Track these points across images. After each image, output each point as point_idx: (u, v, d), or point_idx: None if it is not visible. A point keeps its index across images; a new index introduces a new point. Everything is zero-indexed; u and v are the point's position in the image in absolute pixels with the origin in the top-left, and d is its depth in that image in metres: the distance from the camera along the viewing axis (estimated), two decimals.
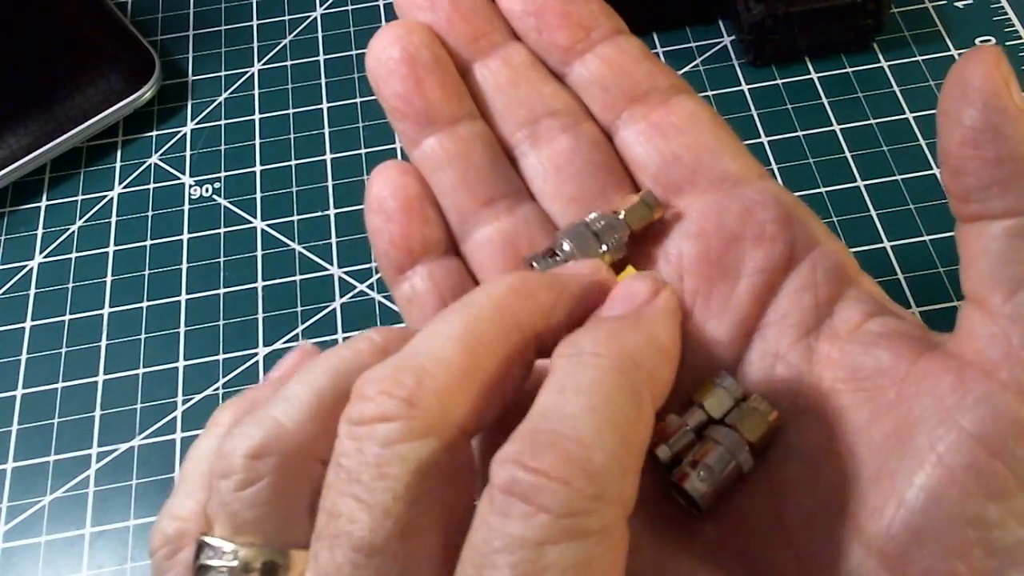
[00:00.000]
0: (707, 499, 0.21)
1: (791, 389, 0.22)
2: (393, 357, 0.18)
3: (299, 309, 0.39)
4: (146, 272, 0.41)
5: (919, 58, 0.44)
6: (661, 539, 0.21)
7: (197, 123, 0.45)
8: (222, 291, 0.40)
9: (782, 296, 0.23)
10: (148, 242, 0.42)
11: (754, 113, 0.43)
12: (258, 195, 0.43)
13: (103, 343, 0.39)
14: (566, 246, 0.23)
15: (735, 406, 0.22)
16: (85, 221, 0.43)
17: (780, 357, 0.22)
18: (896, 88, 0.43)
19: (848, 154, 0.41)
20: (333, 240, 0.41)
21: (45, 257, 0.42)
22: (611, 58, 0.25)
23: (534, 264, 0.24)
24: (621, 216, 0.23)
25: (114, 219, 0.43)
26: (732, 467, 0.21)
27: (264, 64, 0.47)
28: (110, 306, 0.40)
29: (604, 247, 0.23)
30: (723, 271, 0.23)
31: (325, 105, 0.45)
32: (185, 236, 0.42)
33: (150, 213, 0.43)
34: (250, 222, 0.42)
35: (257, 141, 0.44)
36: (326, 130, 0.44)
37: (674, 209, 0.24)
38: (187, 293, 0.40)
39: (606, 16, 0.25)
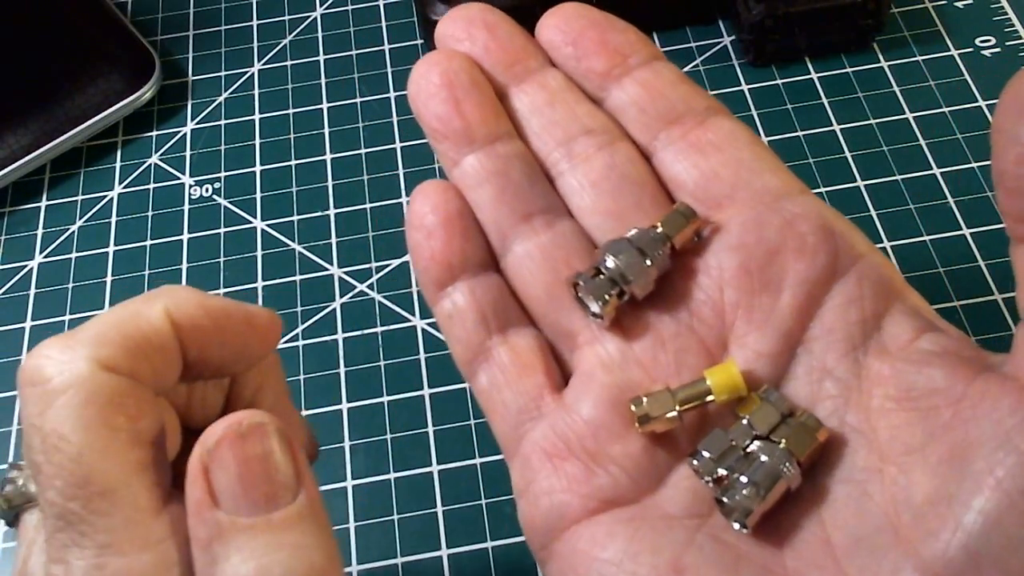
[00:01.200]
0: (754, 517, 0.21)
1: (839, 406, 0.21)
2: None
3: (299, 309, 0.39)
4: (146, 272, 0.41)
5: (919, 58, 0.44)
6: (706, 557, 0.21)
7: (197, 123, 0.45)
8: (222, 291, 0.40)
9: (826, 309, 0.22)
10: (148, 242, 0.42)
11: (754, 113, 0.43)
12: (258, 195, 0.43)
13: None
14: (610, 262, 0.23)
15: (782, 421, 0.21)
16: (85, 221, 0.43)
17: (827, 372, 0.22)
18: (896, 88, 0.43)
19: (848, 154, 0.41)
20: (333, 240, 0.41)
21: (45, 257, 0.42)
22: (648, 82, 0.25)
23: (580, 283, 0.23)
24: (660, 230, 0.23)
25: (114, 219, 0.43)
26: (780, 484, 0.21)
27: (264, 64, 0.47)
28: (110, 306, 0.40)
29: (648, 261, 0.23)
30: (764, 283, 0.23)
31: (325, 105, 0.45)
32: (185, 236, 0.42)
33: (150, 213, 0.43)
34: (250, 222, 0.42)
35: (257, 141, 0.44)
36: (326, 130, 0.44)
37: (713, 223, 0.24)
38: None
39: (642, 43, 0.26)
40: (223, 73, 0.47)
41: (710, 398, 0.22)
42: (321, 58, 0.47)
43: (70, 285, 0.41)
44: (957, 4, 0.46)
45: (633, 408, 0.22)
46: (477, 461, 0.35)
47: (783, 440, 0.21)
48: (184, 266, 0.41)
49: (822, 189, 0.40)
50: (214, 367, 0.21)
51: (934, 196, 0.40)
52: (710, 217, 0.24)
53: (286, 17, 0.49)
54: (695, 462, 0.21)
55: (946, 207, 0.40)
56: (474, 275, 0.25)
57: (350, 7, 0.49)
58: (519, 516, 0.24)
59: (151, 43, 0.47)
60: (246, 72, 0.47)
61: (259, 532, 0.18)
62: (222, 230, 0.42)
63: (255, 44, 0.48)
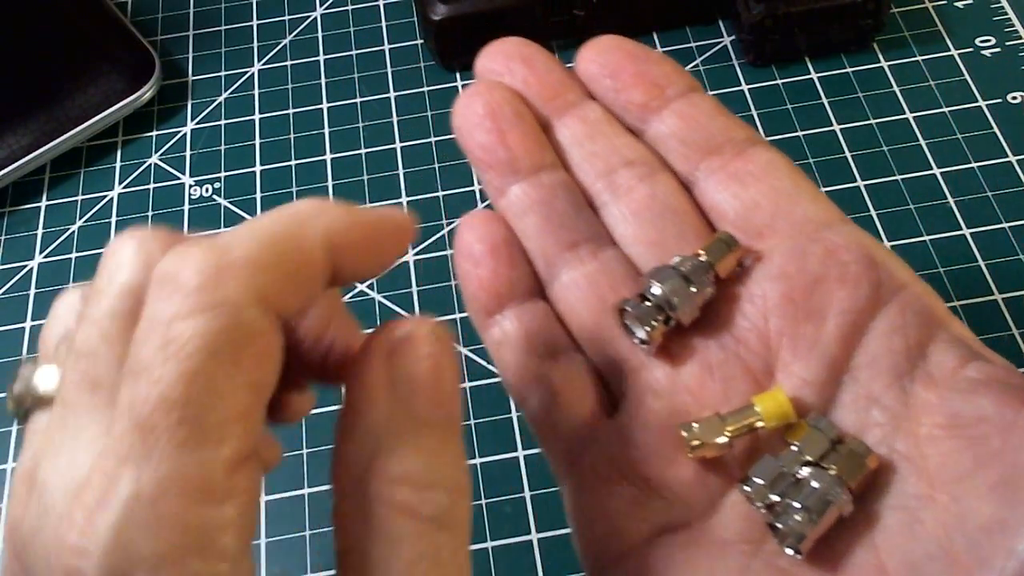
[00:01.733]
0: (807, 542, 0.21)
1: (887, 433, 0.22)
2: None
3: None
4: None
5: (919, 58, 0.44)
6: None
7: (197, 123, 0.45)
8: None
9: (870, 338, 0.22)
10: None
11: (754, 113, 0.43)
12: (258, 195, 0.43)
13: None
14: (656, 289, 0.23)
15: (832, 448, 0.21)
16: (85, 221, 0.43)
17: (874, 400, 0.22)
18: (896, 88, 0.43)
19: (848, 154, 0.41)
20: None
21: (45, 257, 0.42)
22: (687, 113, 0.26)
23: (627, 308, 0.24)
24: (703, 258, 0.24)
25: (114, 219, 0.43)
26: (832, 510, 0.21)
27: (264, 64, 0.47)
28: None
29: (693, 288, 0.23)
30: (808, 312, 0.23)
31: (325, 105, 0.45)
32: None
33: (150, 213, 0.43)
34: None
35: (257, 141, 0.44)
36: (326, 130, 0.44)
37: (756, 251, 0.24)
38: None
39: (679, 75, 0.26)
40: (223, 73, 0.47)
41: (759, 424, 0.22)
42: (321, 58, 0.47)
43: (70, 285, 0.41)
44: (957, 4, 0.46)
45: (683, 434, 0.22)
46: (477, 461, 0.35)
47: (834, 467, 0.21)
48: None
49: (822, 189, 0.40)
50: (342, 282, 0.20)
51: (934, 196, 0.40)
52: (752, 247, 0.24)
53: (286, 17, 0.49)
54: (747, 488, 0.22)
55: (946, 207, 0.40)
56: (522, 302, 0.25)
57: (350, 7, 0.49)
58: (574, 538, 0.24)
59: (151, 43, 0.47)
60: (246, 72, 0.47)
61: (427, 433, 0.18)
62: (222, 230, 0.42)
63: (255, 44, 0.48)
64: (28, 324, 0.40)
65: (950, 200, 0.40)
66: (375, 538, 0.17)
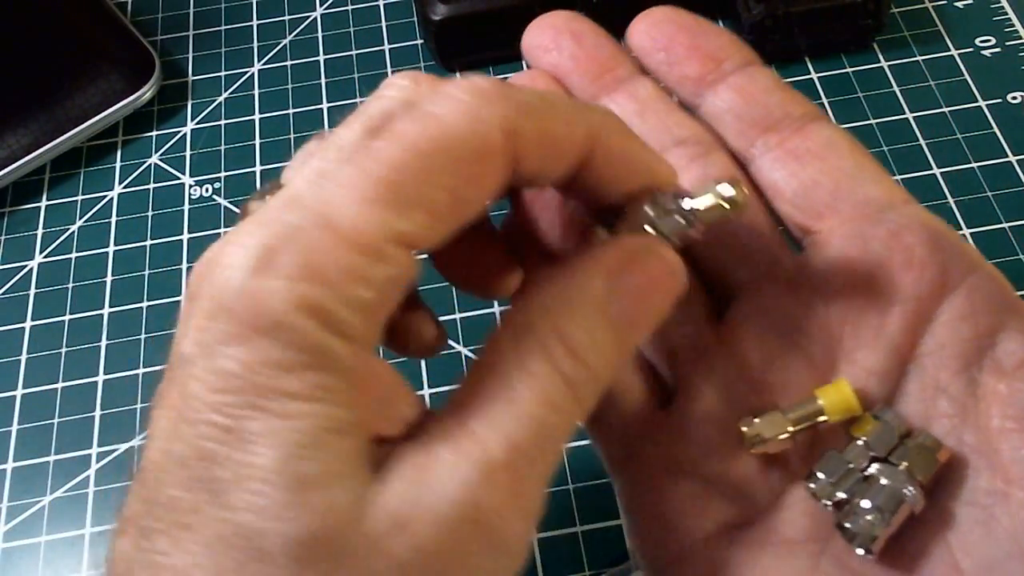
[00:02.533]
0: (879, 542, 0.20)
1: (956, 425, 0.21)
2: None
3: None
4: (146, 272, 0.41)
5: (919, 58, 0.44)
6: None
7: (197, 123, 0.45)
8: None
9: (938, 325, 0.21)
10: (148, 242, 0.42)
11: None
12: None
13: (103, 343, 0.39)
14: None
15: (900, 442, 0.21)
16: (85, 221, 0.43)
17: (941, 390, 0.21)
18: (896, 88, 0.43)
19: None
20: None
21: (45, 257, 0.42)
22: (743, 87, 0.24)
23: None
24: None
25: (114, 219, 0.43)
26: (903, 508, 0.20)
27: (264, 64, 0.47)
28: (110, 306, 0.40)
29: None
30: (872, 299, 0.22)
31: (325, 105, 0.45)
32: (185, 236, 0.42)
33: (150, 213, 0.43)
34: None
35: (257, 141, 0.44)
36: (326, 130, 0.44)
37: (816, 234, 0.23)
38: None
39: (736, 48, 0.25)
40: (223, 73, 0.47)
41: (822, 418, 0.21)
42: (321, 58, 0.47)
43: (70, 285, 0.41)
44: (957, 4, 0.46)
45: (744, 429, 0.22)
46: None
47: (903, 462, 0.20)
48: (184, 266, 0.41)
49: None
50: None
51: (934, 196, 0.40)
52: (811, 228, 0.23)
53: (286, 17, 0.49)
54: (812, 485, 0.21)
55: (946, 207, 0.40)
56: None
57: (350, 7, 0.49)
58: (628, 535, 0.23)
59: (151, 43, 0.47)
60: (246, 72, 0.47)
61: (607, 327, 0.19)
62: (222, 230, 0.42)
63: (255, 44, 0.48)
64: (28, 324, 0.40)
65: (950, 200, 0.40)
66: (515, 363, 0.18)
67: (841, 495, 0.21)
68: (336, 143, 0.18)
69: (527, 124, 0.18)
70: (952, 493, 0.21)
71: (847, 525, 0.20)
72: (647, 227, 0.21)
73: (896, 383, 0.22)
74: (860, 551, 0.20)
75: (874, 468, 0.21)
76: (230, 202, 0.43)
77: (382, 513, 0.16)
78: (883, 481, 0.20)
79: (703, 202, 0.21)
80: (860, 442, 0.21)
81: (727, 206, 0.21)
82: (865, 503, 0.20)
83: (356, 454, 0.16)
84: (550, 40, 0.26)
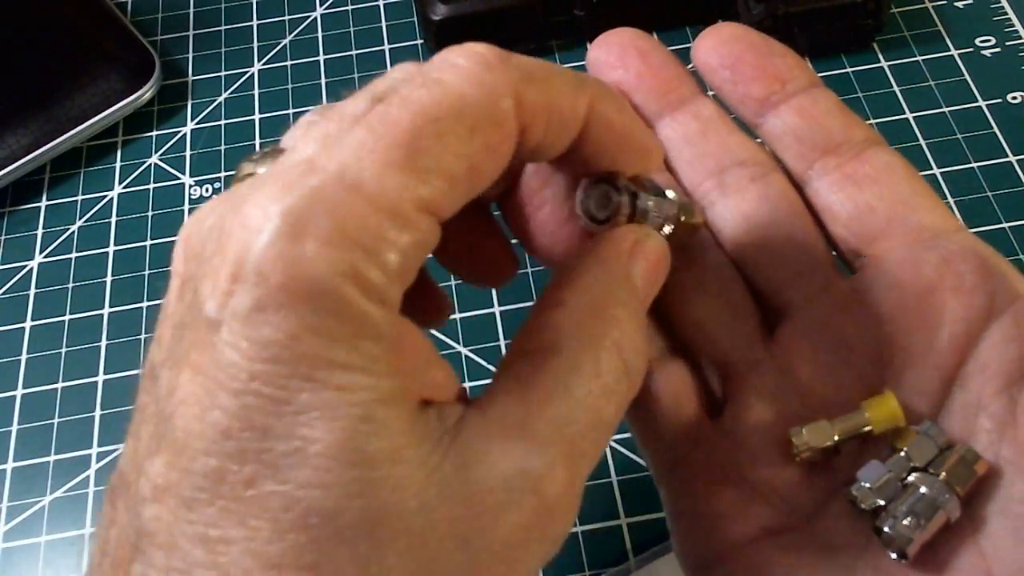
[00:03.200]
0: (915, 546, 0.21)
1: (994, 439, 0.21)
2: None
3: None
4: (146, 272, 0.41)
5: (919, 58, 0.44)
6: None
7: (197, 123, 0.45)
8: None
9: (983, 347, 0.22)
10: (148, 242, 0.42)
11: None
12: None
13: (103, 343, 0.39)
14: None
15: (940, 454, 0.21)
16: (85, 221, 0.43)
17: (982, 407, 0.22)
18: (896, 88, 0.43)
19: None
20: None
21: (45, 257, 0.42)
22: (806, 109, 0.25)
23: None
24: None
25: (114, 219, 0.43)
26: (939, 515, 0.21)
27: (264, 64, 0.47)
28: (110, 306, 0.40)
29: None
30: (922, 321, 0.23)
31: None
32: None
33: (150, 213, 0.43)
34: None
35: (257, 141, 0.44)
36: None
37: (868, 257, 0.24)
38: None
39: (801, 69, 0.25)
40: (223, 73, 0.47)
41: (867, 429, 0.22)
42: (321, 58, 0.47)
43: (70, 285, 0.41)
44: (957, 4, 0.46)
45: (792, 438, 0.22)
46: None
47: (942, 472, 0.21)
48: None
49: None
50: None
51: None
52: (864, 251, 0.24)
53: (286, 17, 0.49)
54: (853, 492, 0.22)
55: (946, 207, 0.39)
56: None
57: (350, 7, 0.49)
58: (673, 537, 0.24)
59: (151, 43, 0.47)
60: (246, 72, 0.47)
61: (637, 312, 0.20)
62: None
63: (255, 44, 0.48)
64: (28, 324, 0.40)
65: (950, 200, 0.40)
66: (576, 352, 0.19)
67: (880, 501, 0.21)
68: (341, 111, 0.18)
69: (532, 92, 0.18)
70: (987, 503, 0.21)
71: (885, 529, 0.21)
72: (648, 213, 0.22)
73: (941, 400, 0.22)
74: (894, 555, 0.21)
75: (913, 477, 0.21)
76: None
77: (448, 491, 0.16)
78: (922, 489, 0.21)
79: (673, 206, 0.22)
80: (902, 453, 0.22)
81: (683, 218, 0.22)
82: (902, 509, 0.21)
83: (410, 424, 0.16)
84: (616, 58, 0.26)
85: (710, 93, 0.26)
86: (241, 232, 0.16)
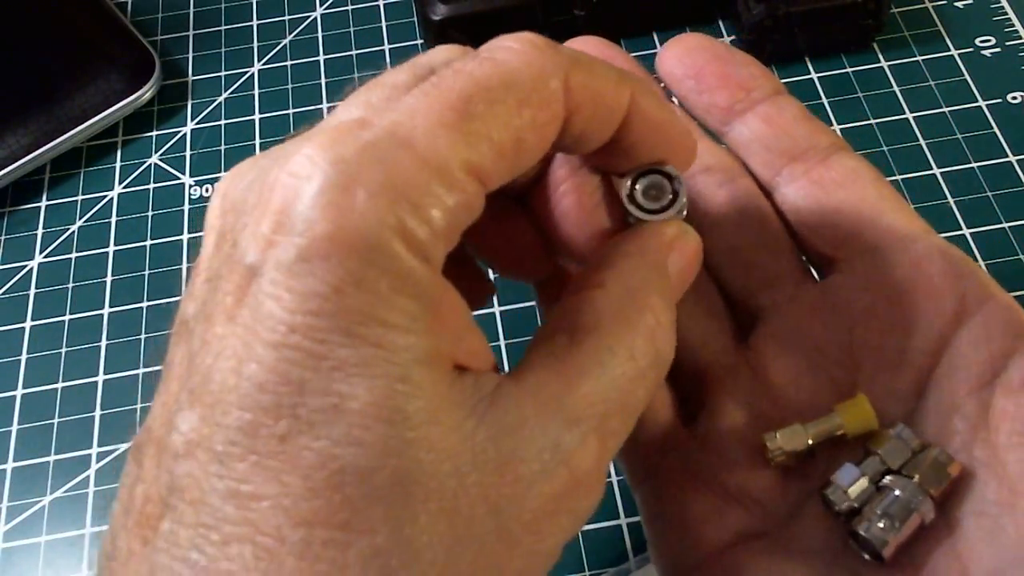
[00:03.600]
0: (890, 548, 0.21)
1: (967, 441, 0.21)
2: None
3: None
4: (146, 272, 0.41)
5: (919, 58, 0.44)
6: None
7: (197, 123, 0.45)
8: None
9: (954, 349, 0.22)
10: (148, 242, 0.42)
11: None
12: None
13: (103, 343, 0.39)
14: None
15: (913, 456, 0.21)
16: (85, 221, 0.43)
17: (955, 408, 0.22)
18: (896, 88, 0.43)
19: None
20: None
21: (45, 257, 0.42)
22: (771, 117, 0.25)
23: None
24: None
25: (114, 219, 0.43)
26: (914, 517, 0.21)
27: (264, 64, 0.47)
28: (110, 306, 0.40)
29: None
30: (893, 324, 0.23)
31: (325, 105, 0.45)
32: (185, 236, 0.42)
33: (150, 213, 0.43)
34: None
35: (257, 141, 0.44)
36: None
37: (838, 261, 0.24)
38: None
39: (765, 78, 0.25)
40: (223, 73, 0.47)
41: (841, 432, 0.22)
42: (321, 58, 0.47)
43: (70, 285, 0.41)
44: (957, 4, 0.46)
45: (767, 443, 0.23)
46: None
47: (916, 475, 0.21)
48: (184, 266, 0.41)
49: None
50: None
51: (934, 196, 0.40)
52: (833, 255, 0.24)
53: (286, 17, 0.49)
54: (828, 495, 0.22)
55: (946, 207, 0.40)
56: None
57: (350, 7, 0.49)
58: (649, 543, 0.24)
59: (151, 43, 0.47)
60: (246, 72, 0.47)
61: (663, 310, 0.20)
62: None
63: (255, 44, 0.48)
64: (28, 324, 0.40)
65: (950, 200, 0.40)
66: (613, 334, 0.19)
67: (855, 504, 0.21)
68: (383, 82, 0.18)
69: (580, 76, 0.18)
70: (961, 505, 0.21)
71: (860, 532, 0.21)
72: (686, 208, 0.22)
73: (913, 403, 0.22)
74: (870, 557, 0.21)
75: (887, 480, 0.21)
76: None
77: (483, 457, 0.16)
78: (896, 492, 0.21)
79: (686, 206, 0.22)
80: (876, 455, 0.22)
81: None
82: (877, 511, 0.21)
83: (447, 388, 0.16)
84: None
85: (674, 101, 0.26)
86: (288, 180, 0.15)
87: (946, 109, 0.42)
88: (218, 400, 0.15)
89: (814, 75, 0.44)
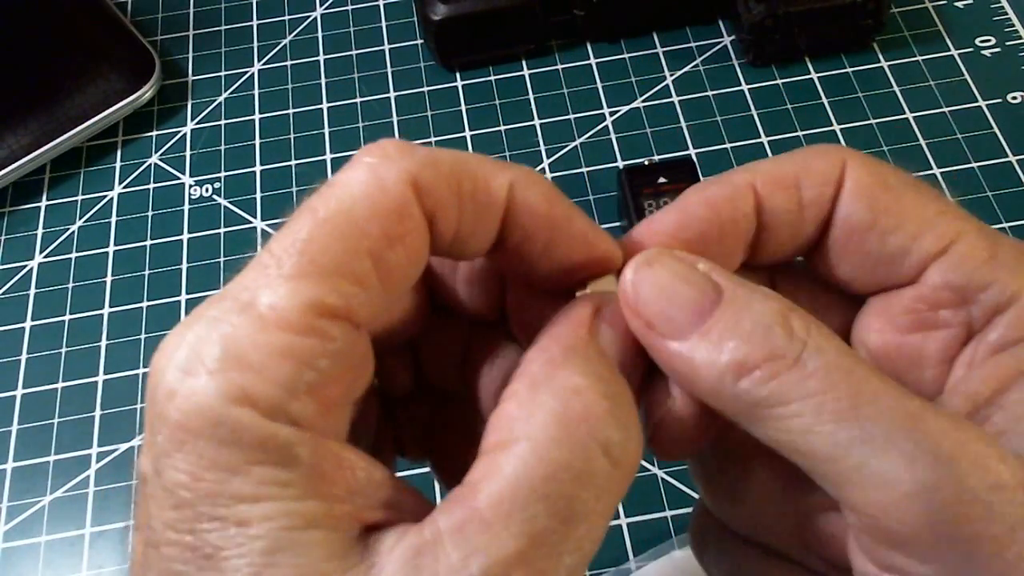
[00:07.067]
0: None
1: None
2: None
3: None
4: (146, 272, 0.41)
5: (919, 58, 0.44)
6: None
7: (197, 123, 0.45)
8: None
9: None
10: (148, 242, 0.42)
11: (754, 113, 0.43)
12: (258, 195, 0.43)
13: (103, 343, 0.39)
14: None
15: None
16: (85, 221, 0.43)
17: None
18: (896, 88, 0.43)
19: None
20: None
21: (45, 257, 0.42)
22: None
23: None
24: None
25: (114, 219, 0.43)
26: None
27: (264, 64, 0.47)
28: (110, 306, 0.40)
29: None
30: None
31: (325, 105, 0.45)
32: (185, 236, 0.42)
33: (150, 213, 0.43)
34: (250, 222, 0.42)
35: (257, 141, 0.44)
36: (326, 130, 0.44)
37: None
38: (187, 293, 0.40)
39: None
40: (223, 73, 0.47)
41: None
42: (321, 58, 0.47)
43: (70, 285, 0.41)
44: (957, 4, 0.46)
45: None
46: None
47: None
48: (184, 266, 0.41)
49: None
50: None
51: None
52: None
53: (286, 17, 0.49)
54: None
55: None
56: None
57: (350, 7, 0.49)
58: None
59: (151, 43, 0.47)
60: (246, 72, 0.47)
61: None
62: (222, 230, 0.42)
63: (255, 44, 0.48)
64: (28, 324, 0.40)
65: (950, 200, 0.40)
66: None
67: None
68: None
69: (431, 174, 0.17)
70: None
71: None
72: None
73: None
74: None
75: None
76: (230, 202, 0.43)
77: None
78: None
79: None
80: None
81: None
82: None
83: (339, 547, 0.15)
84: None
85: None
86: (153, 377, 0.15)
87: (946, 109, 0.42)
88: None
89: (814, 75, 0.44)
